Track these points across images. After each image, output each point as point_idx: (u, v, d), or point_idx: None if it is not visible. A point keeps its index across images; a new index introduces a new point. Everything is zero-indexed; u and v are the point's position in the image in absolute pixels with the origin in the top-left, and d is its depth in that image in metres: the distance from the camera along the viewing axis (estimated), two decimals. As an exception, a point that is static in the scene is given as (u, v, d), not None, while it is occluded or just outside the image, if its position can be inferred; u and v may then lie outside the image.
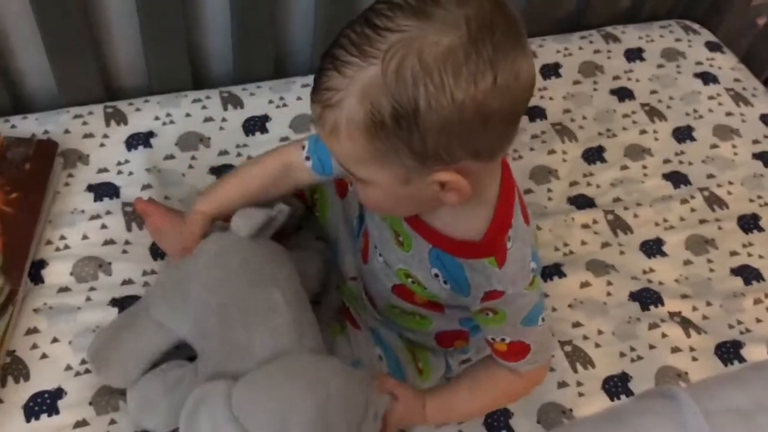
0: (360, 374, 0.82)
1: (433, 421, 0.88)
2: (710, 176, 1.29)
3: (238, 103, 1.23)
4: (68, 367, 0.92)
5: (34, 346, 0.93)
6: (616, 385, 1.01)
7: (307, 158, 0.88)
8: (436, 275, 0.79)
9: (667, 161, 1.30)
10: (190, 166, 1.14)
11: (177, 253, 0.92)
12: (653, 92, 1.40)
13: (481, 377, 0.87)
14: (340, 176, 0.92)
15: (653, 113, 1.37)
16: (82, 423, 0.88)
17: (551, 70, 1.39)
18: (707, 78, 1.44)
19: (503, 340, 0.80)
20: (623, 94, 1.39)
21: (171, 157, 1.15)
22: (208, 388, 0.77)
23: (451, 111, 0.59)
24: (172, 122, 1.19)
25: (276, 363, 0.79)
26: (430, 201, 0.69)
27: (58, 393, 0.90)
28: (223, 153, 1.17)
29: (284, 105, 1.24)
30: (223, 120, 1.21)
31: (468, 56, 0.59)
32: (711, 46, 1.50)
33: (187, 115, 1.20)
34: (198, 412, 0.76)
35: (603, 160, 1.28)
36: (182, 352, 0.90)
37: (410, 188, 0.67)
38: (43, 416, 0.88)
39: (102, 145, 1.14)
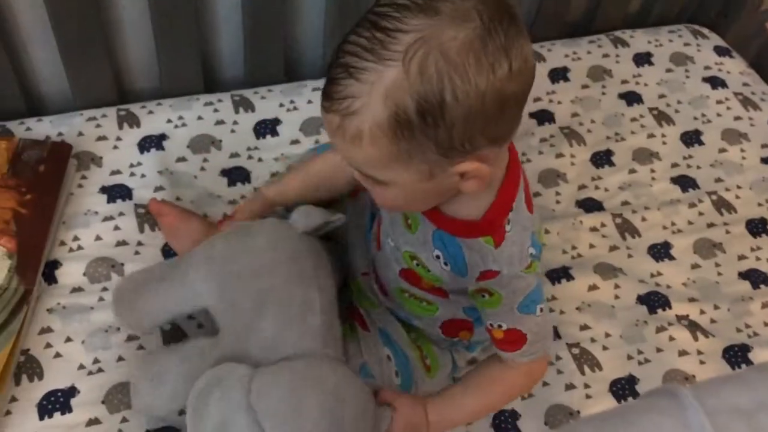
0: (368, 388, 0.83)
1: (437, 427, 0.88)
2: (718, 180, 1.30)
3: (249, 106, 1.25)
4: (81, 366, 0.93)
5: (48, 346, 0.94)
6: (624, 388, 1.02)
7: None
8: (438, 256, 0.80)
9: (675, 165, 1.31)
10: (202, 168, 1.16)
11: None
12: (661, 96, 1.41)
13: (479, 376, 0.88)
14: None
15: (661, 117, 1.37)
16: (94, 421, 0.89)
17: (560, 75, 1.40)
18: (716, 82, 1.44)
19: (500, 326, 0.80)
20: (631, 98, 1.39)
21: (183, 159, 1.16)
22: (225, 370, 0.77)
23: (475, 100, 0.61)
24: (184, 125, 1.20)
25: (302, 364, 0.79)
26: (448, 193, 0.72)
27: (71, 391, 0.91)
28: (234, 155, 1.18)
29: (295, 108, 1.26)
30: (235, 123, 1.22)
31: (485, 46, 0.61)
32: (720, 51, 1.51)
33: (199, 118, 1.21)
34: (211, 393, 0.76)
35: (611, 164, 1.29)
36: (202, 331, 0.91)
37: (432, 183, 0.68)
38: (57, 414, 0.89)
39: (115, 147, 1.15)
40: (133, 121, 1.19)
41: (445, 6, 0.61)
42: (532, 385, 0.91)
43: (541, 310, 0.80)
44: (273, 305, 0.83)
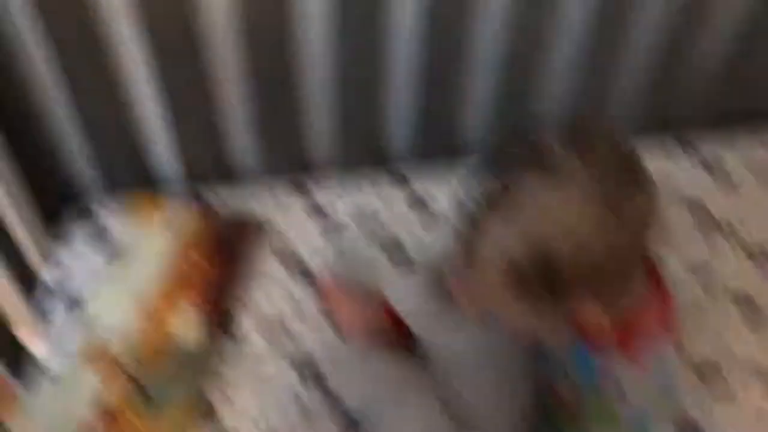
0: None
1: None
2: None
3: (409, 182, 1.33)
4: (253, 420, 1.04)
5: (223, 394, 1.06)
6: None
7: None
8: None
9: None
10: (369, 244, 1.24)
11: (351, 331, 1.03)
12: None
13: None
14: None
15: None
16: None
17: None
18: None
19: None
20: None
21: (351, 233, 1.26)
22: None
23: (592, 265, 0.67)
24: (354, 201, 1.31)
25: None
26: None
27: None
28: (396, 231, 1.26)
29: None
30: (397, 199, 1.31)
31: (605, 217, 0.66)
32: None
33: (367, 193, 1.32)
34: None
35: None
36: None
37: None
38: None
39: (293, 218, 1.28)
40: (311, 194, 1.32)
41: (570, 182, 0.66)
42: None
43: None
44: (491, 385, 0.91)
